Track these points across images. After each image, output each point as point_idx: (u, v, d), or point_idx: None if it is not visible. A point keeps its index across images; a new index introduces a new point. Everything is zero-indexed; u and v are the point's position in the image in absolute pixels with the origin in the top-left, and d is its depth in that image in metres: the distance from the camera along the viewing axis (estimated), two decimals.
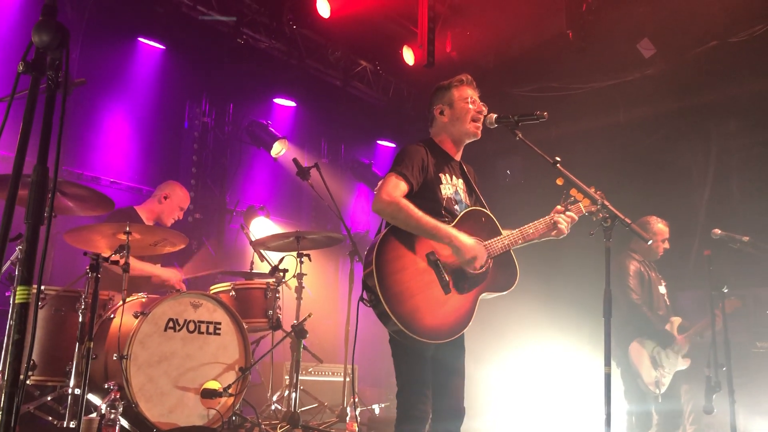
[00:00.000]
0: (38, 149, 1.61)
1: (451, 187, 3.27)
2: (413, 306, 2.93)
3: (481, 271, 3.12)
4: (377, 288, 2.88)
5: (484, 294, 3.15)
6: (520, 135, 3.26)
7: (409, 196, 3.07)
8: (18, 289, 1.55)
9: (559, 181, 3.27)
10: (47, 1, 1.71)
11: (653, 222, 5.64)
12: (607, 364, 2.96)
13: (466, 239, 3.06)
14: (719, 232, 4.97)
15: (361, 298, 3.00)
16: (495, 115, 3.29)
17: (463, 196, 3.32)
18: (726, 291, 4.59)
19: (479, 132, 3.35)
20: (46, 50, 1.64)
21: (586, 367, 6.35)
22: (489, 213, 3.32)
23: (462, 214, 3.21)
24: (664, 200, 6.79)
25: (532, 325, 6.98)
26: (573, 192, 3.36)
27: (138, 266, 4.93)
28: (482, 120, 3.32)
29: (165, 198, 5.50)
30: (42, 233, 1.61)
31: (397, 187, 3.05)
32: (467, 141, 3.40)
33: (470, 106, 3.31)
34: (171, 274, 5.34)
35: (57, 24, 1.64)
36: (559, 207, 3.38)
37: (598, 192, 3.38)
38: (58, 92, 1.65)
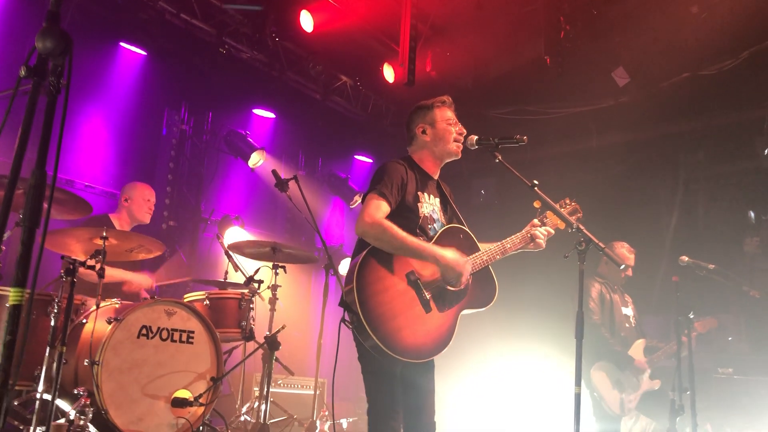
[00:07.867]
0: (37, 153, 1.63)
1: (429, 206, 3.31)
2: (395, 326, 2.95)
3: (461, 288, 3.16)
4: (358, 310, 2.90)
5: (464, 311, 3.19)
6: (500, 157, 3.33)
7: (388, 214, 3.11)
8: (12, 290, 1.56)
9: (537, 204, 3.35)
10: (51, 8, 1.74)
11: (617, 247, 5.68)
12: (578, 384, 3.04)
13: (452, 256, 3.10)
14: (686, 259, 5.07)
15: (343, 320, 3.02)
16: (476, 137, 3.37)
17: (439, 215, 3.36)
18: (692, 317, 4.71)
19: (460, 152, 3.42)
20: (48, 56, 1.67)
21: (555, 385, 6.43)
22: (466, 229, 3.37)
23: (440, 231, 3.25)
24: (633, 226, 6.94)
25: (499, 342, 7.06)
26: (549, 215, 3.45)
27: (109, 272, 4.88)
28: (463, 141, 3.40)
29: (126, 200, 5.46)
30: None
31: (379, 209, 3.07)
32: (447, 160, 3.45)
33: (452, 127, 3.38)
34: (142, 280, 5.30)
35: (61, 31, 1.67)
36: (535, 221, 3.45)
37: (573, 203, 3.50)
38: (59, 97, 1.67)
